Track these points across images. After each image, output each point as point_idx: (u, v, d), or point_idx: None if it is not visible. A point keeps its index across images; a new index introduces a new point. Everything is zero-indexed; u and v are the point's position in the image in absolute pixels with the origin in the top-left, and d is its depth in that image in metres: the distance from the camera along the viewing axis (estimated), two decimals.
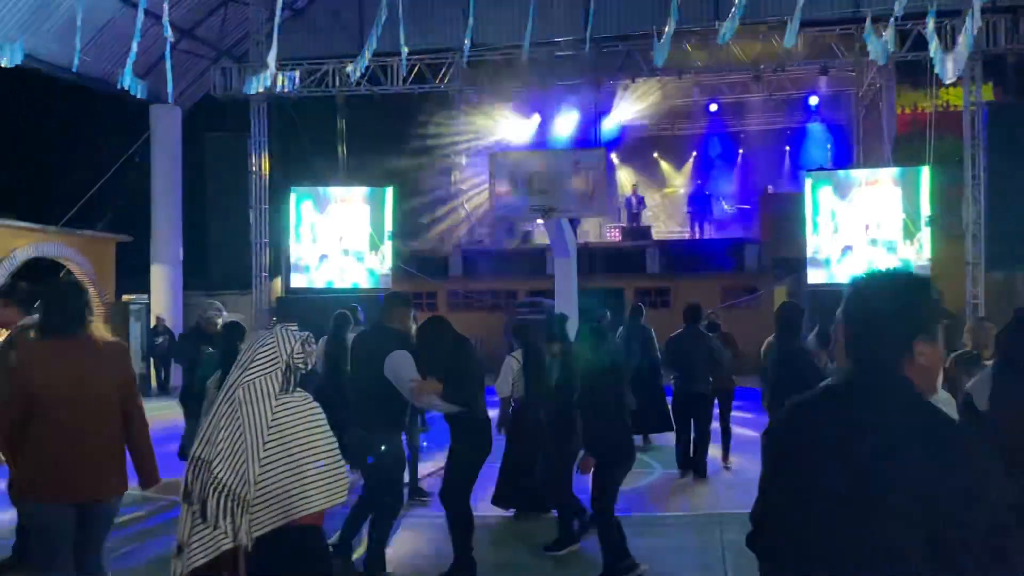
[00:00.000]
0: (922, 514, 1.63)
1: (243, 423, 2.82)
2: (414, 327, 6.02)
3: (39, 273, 16.14)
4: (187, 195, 17.98)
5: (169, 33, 11.41)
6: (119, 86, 12.76)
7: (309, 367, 3.02)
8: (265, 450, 2.79)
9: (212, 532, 2.80)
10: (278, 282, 18.65)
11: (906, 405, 1.76)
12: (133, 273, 18.07)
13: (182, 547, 2.88)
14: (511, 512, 7.07)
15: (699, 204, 22.76)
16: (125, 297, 18.15)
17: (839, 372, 1.91)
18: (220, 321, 7.59)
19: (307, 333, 3.05)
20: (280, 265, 18.03)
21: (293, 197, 17.17)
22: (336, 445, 2.94)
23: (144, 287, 17.87)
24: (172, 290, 17.63)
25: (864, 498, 1.68)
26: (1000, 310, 15.54)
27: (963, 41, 10.36)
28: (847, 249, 15.18)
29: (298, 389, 2.94)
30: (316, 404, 2.94)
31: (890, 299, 1.84)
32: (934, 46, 11.69)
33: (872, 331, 1.82)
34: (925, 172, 15.15)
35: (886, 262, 14.55)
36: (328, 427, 2.94)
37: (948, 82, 13.71)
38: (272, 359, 2.90)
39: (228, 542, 2.79)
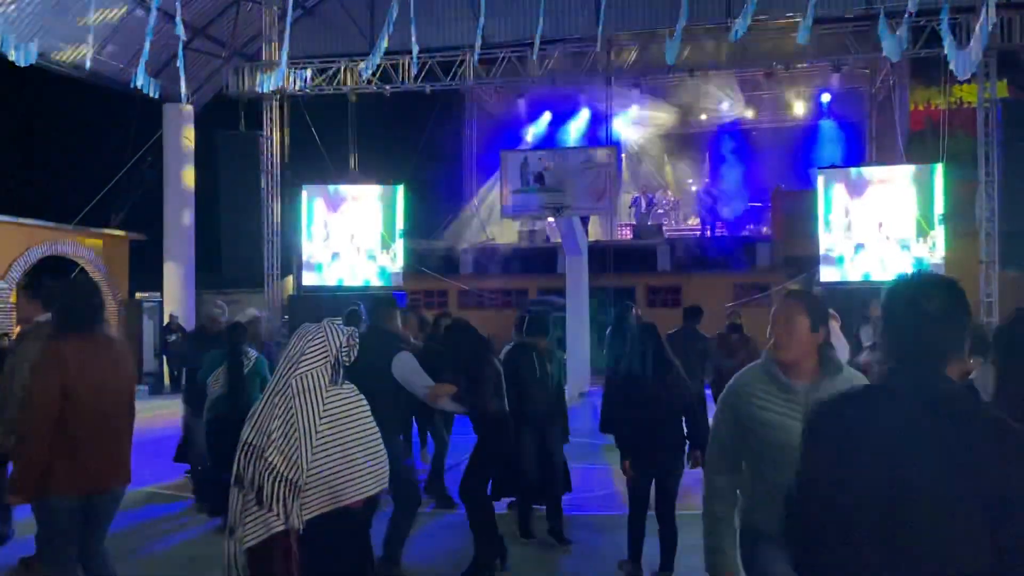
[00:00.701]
0: (982, 516, 1.66)
1: (296, 413, 3.00)
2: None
3: (53, 271, 16.27)
4: (199, 194, 18.06)
5: (182, 32, 11.45)
6: (132, 85, 12.84)
7: (352, 360, 3.20)
8: (318, 438, 2.97)
9: (265, 515, 2.97)
10: (290, 280, 18.71)
11: (966, 408, 1.80)
12: (146, 271, 18.19)
13: (233, 529, 3.06)
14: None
15: (711, 202, 22.70)
16: (138, 295, 18.27)
17: (882, 372, 1.91)
18: (247, 317, 7.60)
19: (352, 328, 3.24)
20: (292, 263, 18.09)
21: (305, 195, 17.23)
22: (380, 435, 3.14)
23: (157, 285, 17.97)
24: (185, 288, 17.72)
25: (926, 498, 1.69)
26: (1014, 308, 15.43)
27: (977, 37, 10.29)
28: (860, 247, 15.10)
29: (346, 382, 3.13)
30: (362, 396, 3.14)
31: (941, 303, 1.86)
32: (948, 42, 11.61)
33: (922, 334, 1.84)
34: (939, 169, 15.05)
35: (901, 261, 14.49)
36: (373, 418, 3.15)
37: (962, 79, 13.66)
38: (323, 352, 3.09)
39: (280, 524, 2.95)
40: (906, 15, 11.43)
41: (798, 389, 2.85)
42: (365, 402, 3.14)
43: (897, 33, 11.48)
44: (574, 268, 16.56)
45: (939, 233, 14.73)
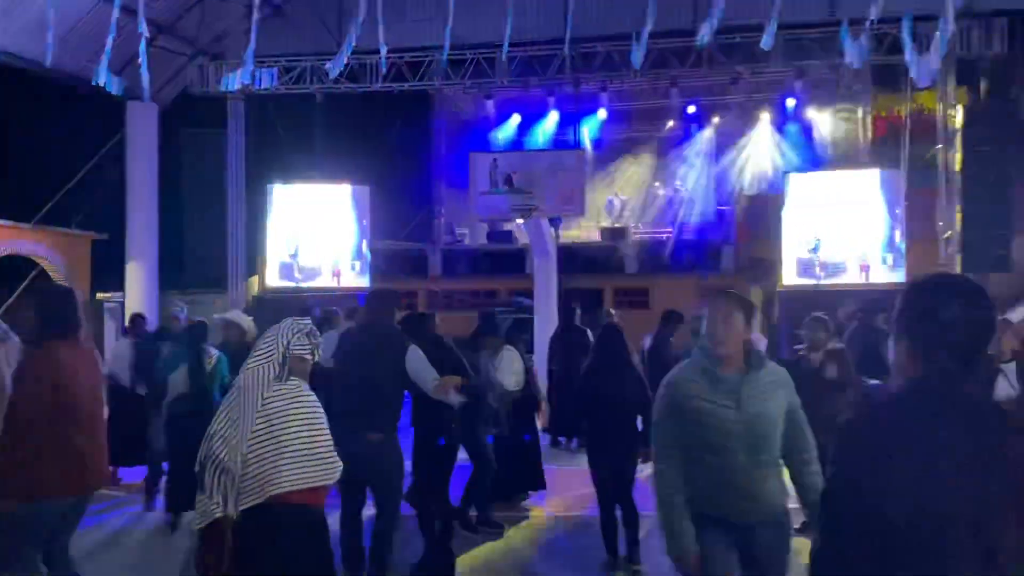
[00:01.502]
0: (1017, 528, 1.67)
1: (241, 405, 3.13)
2: None
3: (13, 271, 15.95)
4: (163, 193, 17.81)
5: (145, 29, 11.32)
6: (94, 82, 12.64)
7: (316, 358, 3.32)
8: (253, 431, 3.07)
9: (208, 501, 3.12)
10: (255, 281, 18.53)
11: (1000, 415, 1.78)
12: (108, 271, 17.88)
13: None
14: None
15: (677, 205, 22.85)
16: (100, 295, 17.96)
17: (906, 380, 1.88)
18: (223, 322, 7.52)
19: (308, 324, 3.34)
20: (257, 264, 17.91)
21: (271, 195, 17.07)
22: (326, 433, 3.20)
23: (119, 286, 17.69)
24: (147, 289, 17.45)
25: (965, 511, 1.68)
26: None
27: (936, 45, 10.49)
28: (820, 250, 15.29)
29: (292, 378, 3.20)
30: (310, 394, 3.21)
31: (961, 306, 1.82)
32: (909, 50, 11.84)
33: (944, 340, 1.80)
34: (900, 175, 15.30)
35: (872, 267, 14.70)
36: (321, 416, 3.21)
37: (922, 86, 13.93)
38: (270, 349, 3.20)
39: (219, 511, 3.08)
40: (868, 23, 11.62)
41: (729, 380, 3.12)
42: (311, 399, 3.20)
43: (859, 40, 11.66)
44: (542, 270, 16.61)
45: (901, 238, 14.97)
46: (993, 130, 14.84)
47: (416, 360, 5.15)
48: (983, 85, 16.17)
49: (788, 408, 3.20)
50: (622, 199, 22.22)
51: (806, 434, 3.22)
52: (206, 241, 17.42)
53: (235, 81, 16.08)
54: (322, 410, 3.25)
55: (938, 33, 11.09)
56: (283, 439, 3.07)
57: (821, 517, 1.87)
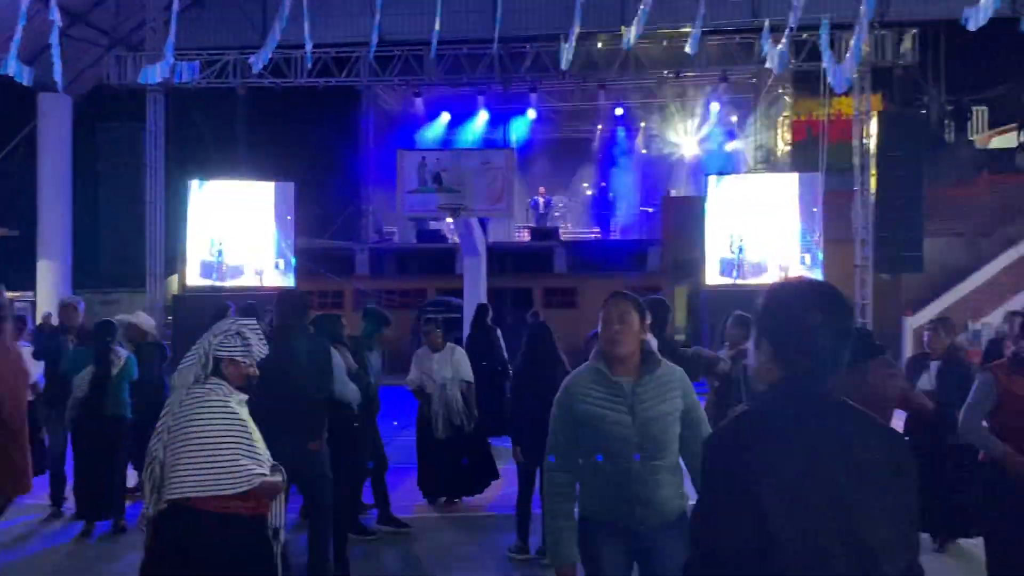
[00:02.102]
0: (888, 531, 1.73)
1: (170, 407, 3.11)
2: None
3: None
4: (78, 188, 17.17)
5: (57, 17, 10.88)
6: (2, 72, 12.09)
7: (249, 356, 3.17)
8: (169, 433, 3.04)
9: (146, 501, 3.11)
10: (174, 279, 18.02)
11: (862, 420, 1.82)
12: (17, 269, 17.12)
13: None
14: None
15: (604, 206, 23.13)
16: (9, 295, 17.20)
17: (768, 388, 1.87)
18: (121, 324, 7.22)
19: (239, 324, 3.22)
20: (177, 262, 17.42)
21: (191, 191, 16.62)
22: (236, 441, 3.03)
23: (30, 284, 16.99)
24: (60, 287, 16.78)
25: (835, 521, 1.71)
26: (886, 311, 16.38)
27: (852, 52, 10.85)
28: (743, 251, 15.66)
29: (211, 380, 3.10)
30: (224, 398, 3.08)
31: (823, 311, 1.82)
32: (827, 57, 12.22)
33: (806, 345, 1.81)
34: (818, 178, 15.78)
35: (782, 265, 15.10)
36: (231, 423, 3.06)
37: (839, 92, 14.38)
38: (196, 350, 3.15)
39: (148, 510, 3.08)
40: (788, 29, 11.95)
41: (623, 384, 3.07)
42: (218, 403, 3.08)
43: (780, 46, 11.98)
44: (472, 269, 16.59)
45: (818, 239, 15.43)
46: (906, 135, 15.43)
47: (340, 367, 5.18)
48: (896, 92, 16.81)
49: (685, 409, 3.12)
50: (547, 198, 22.35)
51: (704, 435, 3.12)
52: (123, 238, 16.83)
53: (154, 74, 15.55)
54: (237, 416, 3.09)
55: (854, 40, 11.48)
56: (183, 443, 2.99)
57: (693, 528, 1.86)
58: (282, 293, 5.32)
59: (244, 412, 3.16)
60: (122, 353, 6.59)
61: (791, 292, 1.90)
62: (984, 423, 4.29)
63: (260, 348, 3.21)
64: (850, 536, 1.70)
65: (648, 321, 3.22)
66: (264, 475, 3.06)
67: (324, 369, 4.99)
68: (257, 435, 3.16)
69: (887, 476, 1.76)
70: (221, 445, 2.99)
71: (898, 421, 6.38)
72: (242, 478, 2.99)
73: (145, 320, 7.60)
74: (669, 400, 3.10)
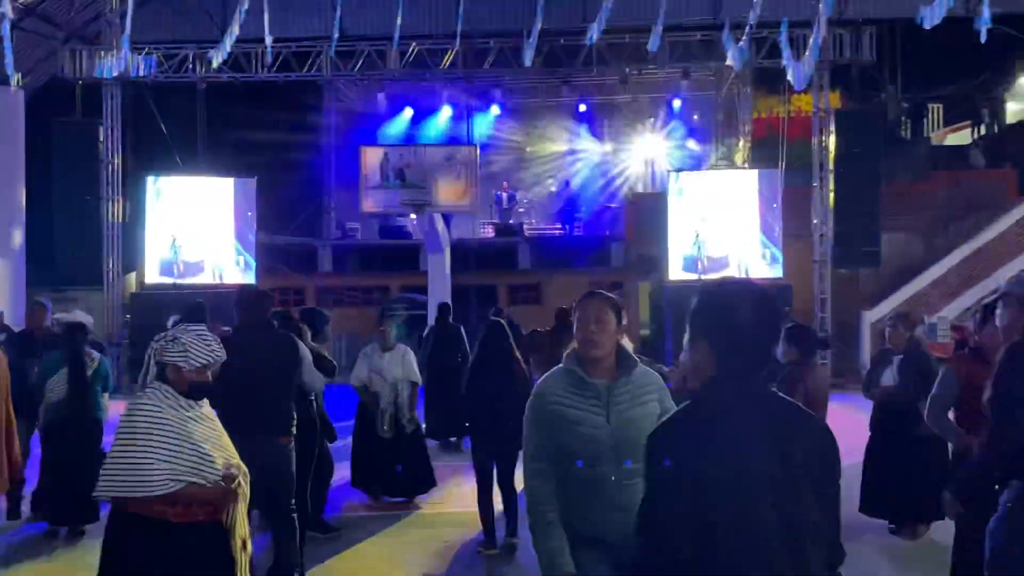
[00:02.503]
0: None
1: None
2: None
3: None
4: (32, 185, 16.79)
5: (8, 9, 10.64)
6: None
7: (187, 362, 3.09)
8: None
9: None
10: (132, 277, 17.72)
11: (793, 413, 1.96)
12: None
13: None
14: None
15: (569, 202, 23.17)
16: None
17: (702, 385, 1.97)
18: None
19: (174, 331, 3.18)
20: (135, 260, 17.13)
21: (149, 187, 16.34)
22: (159, 444, 2.99)
23: None
24: (13, 285, 16.41)
25: (767, 510, 1.83)
26: (845, 305, 16.64)
27: (811, 50, 11.00)
28: (703, 247, 15.79)
29: (153, 384, 3.08)
30: (150, 402, 3.05)
31: (754, 310, 1.92)
32: (786, 54, 12.37)
33: (738, 342, 1.91)
34: (778, 174, 15.96)
35: (743, 264, 15.26)
36: (156, 425, 3.02)
37: (799, 89, 14.58)
38: (145, 357, 3.20)
39: None
40: (748, 27, 12.08)
41: (598, 386, 2.97)
42: (143, 410, 3.07)
43: (740, 44, 12.10)
44: (436, 266, 16.53)
45: (779, 235, 15.61)
46: (863, 132, 15.67)
47: (308, 363, 5.18)
48: (854, 89, 17.07)
49: (661, 412, 3.01)
50: (510, 193, 22.35)
51: None
52: (79, 236, 16.50)
53: (111, 68, 15.32)
54: (167, 420, 3.02)
55: (812, 38, 11.64)
56: (113, 446, 3.06)
57: (640, 518, 1.96)
58: (240, 291, 5.26)
59: (186, 415, 3.08)
60: (95, 355, 6.49)
61: (723, 292, 1.99)
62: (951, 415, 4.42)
63: (205, 353, 3.12)
64: (780, 520, 1.81)
65: (625, 321, 3.13)
66: (195, 482, 2.98)
67: (293, 359, 5.00)
68: (209, 442, 3.09)
69: (815, 464, 1.88)
70: (137, 448, 2.97)
71: (865, 414, 6.52)
72: (155, 483, 2.93)
73: (83, 319, 7.45)
74: (645, 403, 3.02)
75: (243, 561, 3.08)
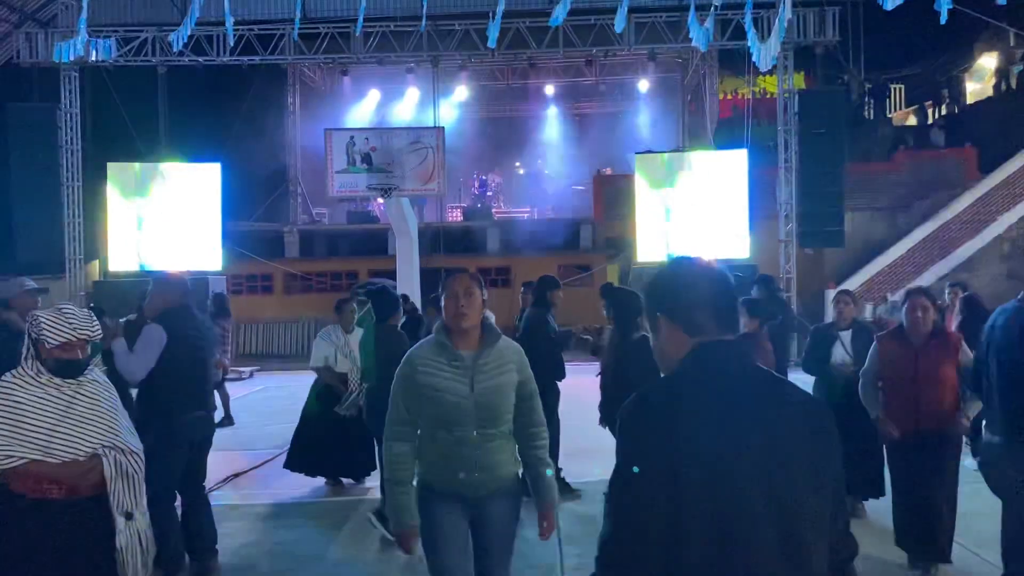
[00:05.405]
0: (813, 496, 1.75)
1: None
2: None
3: None
4: None
5: None
6: None
7: (51, 339, 3.08)
8: None
9: None
10: (95, 265, 17.44)
11: (775, 386, 1.85)
12: None
13: None
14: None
15: (537, 184, 23.19)
16: None
17: (678, 362, 1.86)
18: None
19: (38, 312, 3.19)
20: (97, 247, 16.85)
21: (110, 173, 16.06)
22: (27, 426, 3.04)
23: None
24: None
25: (753, 488, 1.70)
26: (810, 284, 16.85)
27: (776, 31, 11.04)
28: (672, 228, 15.89)
29: (24, 364, 3.12)
30: (3, 382, 3.11)
31: (711, 282, 1.90)
32: (751, 36, 12.39)
33: (710, 310, 1.86)
34: (743, 155, 16.08)
35: (710, 244, 15.38)
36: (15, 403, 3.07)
37: (764, 70, 14.64)
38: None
39: None
40: (713, 8, 12.09)
41: (464, 356, 3.25)
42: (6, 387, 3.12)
43: (705, 25, 12.11)
44: (404, 250, 16.45)
45: (744, 214, 15.75)
46: (827, 113, 15.81)
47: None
48: (818, 70, 17.21)
49: (519, 382, 3.32)
50: (481, 178, 22.31)
51: (535, 410, 3.37)
52: (40, 223, 16.18)
53: (68, 52, 14.95)
54: (8, 398, 3.06)
55: (777, 20, 11.68)
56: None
57: (609, 499, 1.79)
58: (157, 280, 5.25)
59: (53, 394, 3.10)
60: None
61: (678, 269, 1.96)
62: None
63: (66, 330, 3.10)
64: (774, 504, 1.67)
65: (486, 297, 3.38)
66: (36, 459, 3.00)
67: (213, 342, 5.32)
68: (84, 421, 3.11)
69: (809, 442, 1.74)
70: (28, 432, 3.02)
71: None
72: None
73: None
74: (506, 372, 3.28)
75: (132, 532, 3.12)
